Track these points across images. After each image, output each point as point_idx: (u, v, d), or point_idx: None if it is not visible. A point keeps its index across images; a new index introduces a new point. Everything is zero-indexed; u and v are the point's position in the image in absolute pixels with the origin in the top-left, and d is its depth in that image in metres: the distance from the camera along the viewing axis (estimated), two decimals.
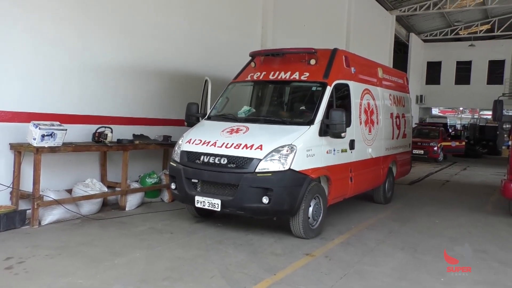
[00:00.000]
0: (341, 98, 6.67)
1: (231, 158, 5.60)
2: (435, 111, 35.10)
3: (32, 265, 4.43)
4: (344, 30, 16.45)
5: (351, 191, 6.92)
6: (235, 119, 6.47)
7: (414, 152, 14.98)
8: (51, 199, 5.96)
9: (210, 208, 5.62)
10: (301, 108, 6.72)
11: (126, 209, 6.99)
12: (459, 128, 28.73)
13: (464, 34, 27.31)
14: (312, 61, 6.51)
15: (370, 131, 7.47)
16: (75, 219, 6.24)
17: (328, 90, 6.24)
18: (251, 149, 5.54)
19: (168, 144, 7.77)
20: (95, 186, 6.67)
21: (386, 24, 21.66)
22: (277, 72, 6.69)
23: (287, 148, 5.51)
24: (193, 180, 5.86)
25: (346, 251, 5.42)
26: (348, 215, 7.32)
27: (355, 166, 6.86)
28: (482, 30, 26.96)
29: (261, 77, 6.86)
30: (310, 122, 5.94)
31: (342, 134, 5.95)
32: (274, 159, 5.44)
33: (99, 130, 6.84)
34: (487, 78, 28.75)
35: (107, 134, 6.79)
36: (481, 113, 33.67)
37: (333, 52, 6.67)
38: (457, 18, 24.86)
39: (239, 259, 4.89)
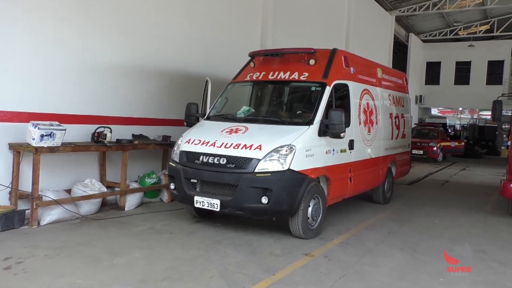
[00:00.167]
0: (341, 98, 6.67)
1: (230, 158, 5.59)
2: (434, 111, 35.13)
3: (31, 265, 4.43)
4: (343, 30, 16.45)
5: (350, 191, 6.92)
6: (234, 119, 6.47)
7: (413, 152, 15.04)
8: (50, 199, 5.96)
9: (209, 208, 5.62)
10: (300, 108, 6.72)
11: (125, 209, 6.99)
12: (458, 128, 28.78)
13: (463, 34, 27.32)
14: (311, 61, 6.51)
15: (369, 131, 7.47)
16: (74, 219, 6.24)
17: (328, 90, 6.24)
18: (250, 149, 5.54)
19: (167, 144, 7.76)
20: (94, 186, 6.67)
21: (385, 24, 21.67)
22: (276, 72, 6.68)
23: (286, 148, 5.51)
24: (192, 180, 5.86)
25: (345, 251, 5.42)
26: (348, 215, 7.33)
27: (354, 166, 6.87)
28: (482, 30, 26.98)
29: (260, 77, 6.86)
30: (309, 122, 5.94)
31: (341, 134, 5.95)
32: (273, 159, 5.44)
33: (98, 130, 6.84)
34: (487, 79, 28.77)
35: (106, 134, 6.79)
36: (480, 113, 33.71)
37: (332, 52, 6.67)
38: (456, 18, 24.84)
39: (238, 259, 4.89)
